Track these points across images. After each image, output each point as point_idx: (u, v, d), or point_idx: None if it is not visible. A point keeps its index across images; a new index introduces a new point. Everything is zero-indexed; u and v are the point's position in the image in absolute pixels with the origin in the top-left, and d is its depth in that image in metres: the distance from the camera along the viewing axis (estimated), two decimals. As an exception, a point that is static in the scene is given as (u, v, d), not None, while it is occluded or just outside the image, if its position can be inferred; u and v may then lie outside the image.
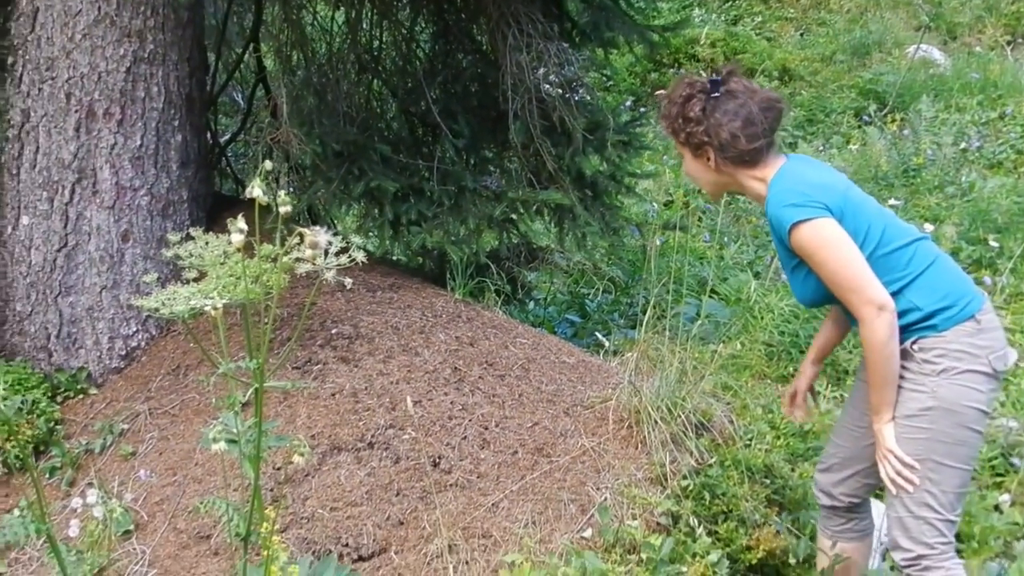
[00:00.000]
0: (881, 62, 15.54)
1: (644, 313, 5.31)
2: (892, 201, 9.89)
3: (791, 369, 7.02)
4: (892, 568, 4.76)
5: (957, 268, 3.77)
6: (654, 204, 10.52)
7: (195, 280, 2.66)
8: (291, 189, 6.27)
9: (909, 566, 3.67)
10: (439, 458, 4.65)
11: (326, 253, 2.35)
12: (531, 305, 8.19)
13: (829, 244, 3.54)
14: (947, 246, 8.45)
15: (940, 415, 3.59)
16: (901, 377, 3.65)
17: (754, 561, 4.38)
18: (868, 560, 4.31)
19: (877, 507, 4.77)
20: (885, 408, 3.67)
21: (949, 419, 3.59)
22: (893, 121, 12.94)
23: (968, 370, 3.59)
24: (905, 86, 13.86)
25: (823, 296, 3.77)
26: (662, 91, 4.04)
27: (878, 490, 4.71)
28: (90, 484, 4.91)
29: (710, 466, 4.69)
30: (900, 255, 3.64)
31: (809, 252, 3.59)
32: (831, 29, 17.22)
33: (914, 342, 3.63)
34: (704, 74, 3.92)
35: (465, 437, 4.78)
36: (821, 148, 12.49)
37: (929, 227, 8.67)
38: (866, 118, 13.40)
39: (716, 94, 3.75)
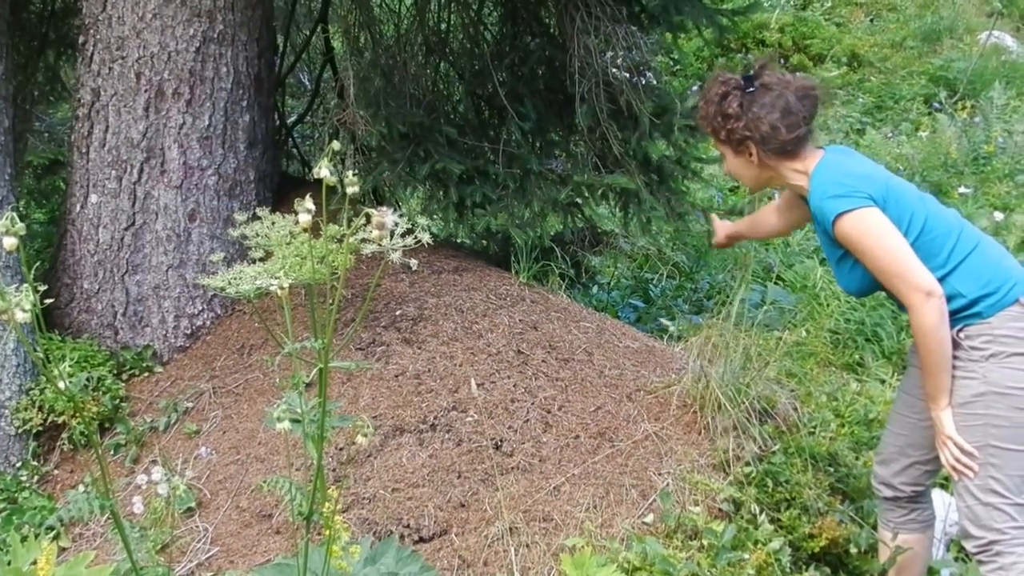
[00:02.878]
0: (952, 48, 15.39)
1: (709, 299, 5.29)
2: (962, 189, 9.81)
3: (856, 356, 6.98)
4: (956, 558, 4.73)
5: (1000, 252, 3.74)
6: (720, 191, 10.47)
7: (261, 260, 2.67)
8: (357, 170, 6.28)
9: (980, 552, 3.64)
10: (501, 441, 4.65)
11: (392, 234, 2.35)
12: (595, 289, 8.18)
13: (873, 233, 3.54)
14: (1017, 235, 8.36)
15: (994, 399, 3.57)
16: (952, 366, 3.63)
17: (816, 549, 4.34)
18: (930, 551, 4.27)
19: (940, 497, 4.73)
20: (941, 394, 3.65)
21: (1003, 402, 3.56)
22: (964, 108, 12.80)
23: (1016, 353, 3.56)
24: (976, 73, 13.72)
25: (869, 285, 3.77)
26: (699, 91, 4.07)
27: (942, 479, 4.68)
28: (154, 461, 4.95)
29: (773, 453, 4.66)
30: (943, 242, 3.62)
31: (853, 241, 3.59)
32: (901, 15, 17.07)
33: (960, 330, 3.62)
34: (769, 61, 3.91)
35: (528, 420, 4.78)
36: (890, 135, 12.39)
37: (999, 215, 8.59)
38: (936, 105, 13.28)
39: (751, 89, 3.75)
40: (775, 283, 8.01)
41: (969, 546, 3.68)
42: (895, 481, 4.06)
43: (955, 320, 3.59)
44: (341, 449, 4.66)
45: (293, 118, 8.18)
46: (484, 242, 7.28)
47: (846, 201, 3.54)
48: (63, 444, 5.28)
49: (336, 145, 2.39)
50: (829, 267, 7.07)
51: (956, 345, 3.61)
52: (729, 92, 3.78)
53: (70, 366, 5.30)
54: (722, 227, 4.72)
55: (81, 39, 5.73)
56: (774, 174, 3.83)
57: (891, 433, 4.08)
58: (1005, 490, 3.58)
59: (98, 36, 5.60)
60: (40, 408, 5.22)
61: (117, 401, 5.33)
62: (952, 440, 3.63)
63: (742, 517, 4.34)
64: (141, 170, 5.61)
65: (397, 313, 5.47)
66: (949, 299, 3.56)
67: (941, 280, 3.54)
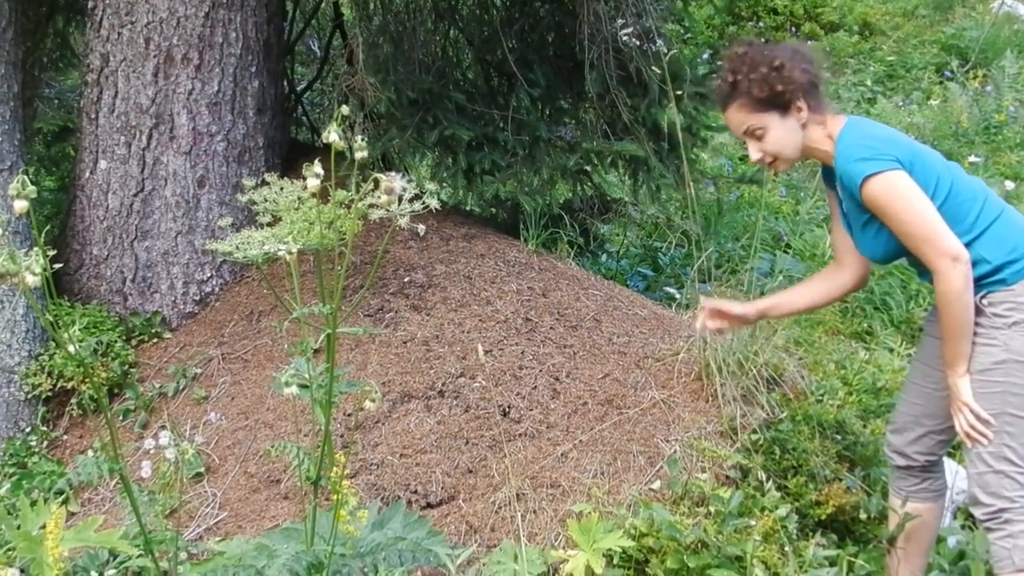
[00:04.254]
0: (964, 17, 15.31)
1: (718, 268, 5.29)
2: (972, 158, 9.77)
3: (865, 325, 6.97)
4: (963, 526, 4.73)
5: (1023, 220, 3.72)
6: (729, 160, 10.46)
7: (269, 225, 2.67)
8: (365, 137, 6.26)
9: (989, 520, 3.62)
10: (509, 407, 4.66)
11: (400, 200, 2.35)
12: (603, 257, 8.17)
13: (902, 196, 3.49)
14: (1027, 204, 8.34)
15: (1014, 367, 3.55)
16: (973, 332, 3.61)
17: (823, 516, 4.34)
18: (940, 520, 4.26)
19: (947, 465, 4.74)
20: (959, 361, 3.62)
21: (1023, 371, 3.55)
22: (975, 77, 12.73)
23: None
24: (988, 41, 13.64)
25: (894, 251, 3.73)
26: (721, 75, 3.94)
27: (951, 448, 4.67)
28: (163, 427, 4.96)
29: (781, 421, 4.66)
30: (969, 207, 3.59)
31: (881, 205, 3.53)
32: (914, -17, 16.99)
33: (983, 296, 3.58)
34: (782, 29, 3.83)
35: (535, 387, 4.78)
36: (901, 104, 12.34)
37: (1010, 184, 8.57)
38: (948, 74, 13.21)
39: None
40: (784, 252, 8.01)
41: (978, 513, 3.67)
42: (909, 450, 4.04)
43: (978, 286, 3.56)
44: (349, 415, 4.68)
45: (302, 85, 8.17)
46: (493, 209, 7.27)
47: (874, 163, 3.50)
48: (72, 409, 5.29)
49: (345, 110, 2.39)
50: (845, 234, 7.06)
51: (978, 311, 3.58)
52: (766, 50, 3.73)
53: (79, 331, 5.31)
54: (731, 309, 4.14)
55: (90, 4, 5.71)
56: (809, 141, 3.72)
57: (906, 402, 4.06)
58: (1018, 458, 3.56)
59: (107, 1, 5.58)
60: (49, 373, 5.24)
61: (126, 367, 5.34)
62: (968, 407, 3.60)
63: (749, 484, 4.34)
64: (150, 136, 5.60)
65: (406, 280, 5.47)
66: (973, 265, 3.52)
67: (967, 246, 3.52)
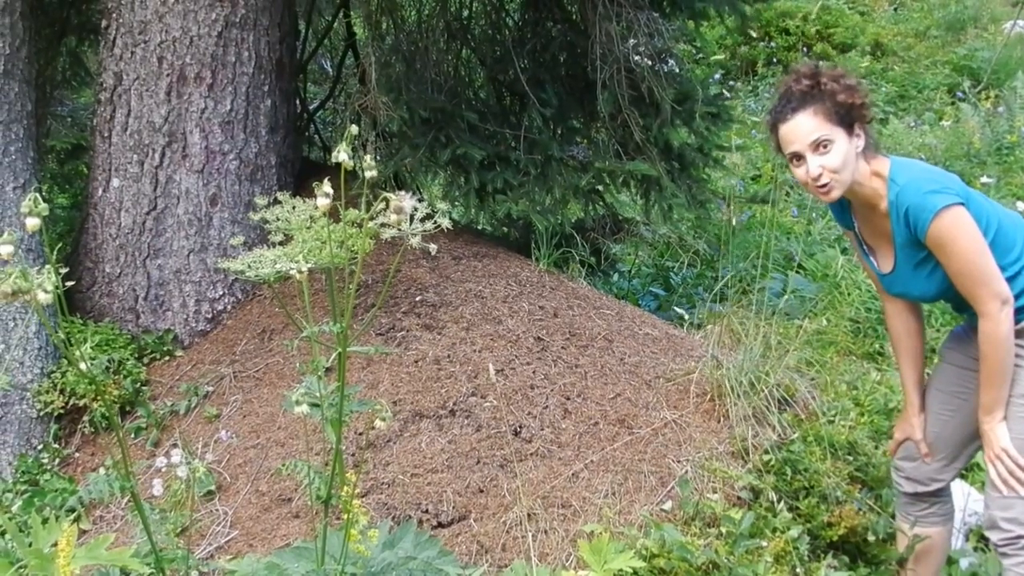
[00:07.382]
0: (976, 38, 15.30)
1: (729, 287, 5.27)
2: (984, 179, 9.75)
3: (877, 346, 6.94)
4: (975, 548, 4.70)
5: None
6: (741, 180, 10.45)
7: (281, 244, 2.67)
8: (378, 156, 6.28)
9: (1007, 545, 3.56)
10: (520, 427, 4.65)
11: (411, 218, 2.35)
12: (615, 277, 8.17)
13: (969, 233, 3.40)
14: (1040, 226, 8.32)
15: None
16: (1016, 355, 3.55)
17: (835, 538, 4.33)
18: (950, 542, 4.23)
19: (959, 487, 4.71)
20: (998, 407, 3.56)
21: None
22: (987, 98, 12.70)
23: None
24: (1000, 62, 13.62)
25: (946, 288, 3.60)
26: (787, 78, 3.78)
27: (964, 471, 4.65)
28: (174, 445, 4.96)
29: (792, 441, 4.65)
30: (1013, 237, 3.53)
31: (947, 241, 3.41)
32: (926, 3, 16.99)
33: None
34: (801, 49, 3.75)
35: (547, 407, 4.78)
36: (913, 124, 12.32)
37: (1022, 205, 8.55)
38: (960, 94, 13.19)
39: None
40: (796, 272, 7.99)
41: (995, 538, 3.62)
42: (921, 476, 4.00)
43: None
44: (361, 434, 4.67)
45: (315, 104, 8.19)
46: (505, 228, 7.28)
47: (944, 197, 3.38)
48: (84, 427, 5.29)
49: (354, 129, 2.39)
50: (850, 257, 7.02)
51: (1021, 335, 3.55)
52: (832, 70, 3.58)
53: (91, 349, 5.31)
54: (905, 430, 4.11)
55: (103, 23, 5.74)
56: (856, 175, 3.55)
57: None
58: None
59: (120, 20, 5.61)
60: (62, 391, 5.24)
61: (138, 384, 5.35)
62: (1007, 453, 3.54)
63: (760, 505, 4.33)
64: (163, 154, 5.62)
65: (417, 299, 5.47)
66: (1022, 292, 3.50)
67: (1018, 273, 3.49)
